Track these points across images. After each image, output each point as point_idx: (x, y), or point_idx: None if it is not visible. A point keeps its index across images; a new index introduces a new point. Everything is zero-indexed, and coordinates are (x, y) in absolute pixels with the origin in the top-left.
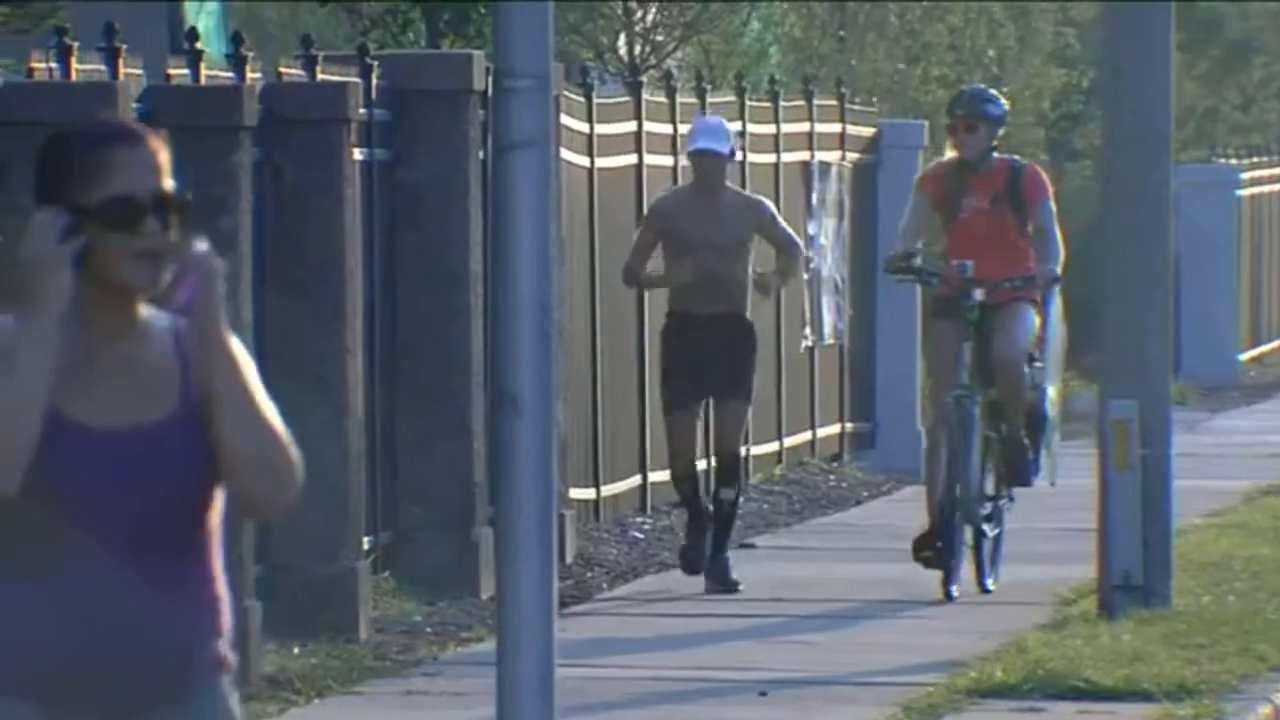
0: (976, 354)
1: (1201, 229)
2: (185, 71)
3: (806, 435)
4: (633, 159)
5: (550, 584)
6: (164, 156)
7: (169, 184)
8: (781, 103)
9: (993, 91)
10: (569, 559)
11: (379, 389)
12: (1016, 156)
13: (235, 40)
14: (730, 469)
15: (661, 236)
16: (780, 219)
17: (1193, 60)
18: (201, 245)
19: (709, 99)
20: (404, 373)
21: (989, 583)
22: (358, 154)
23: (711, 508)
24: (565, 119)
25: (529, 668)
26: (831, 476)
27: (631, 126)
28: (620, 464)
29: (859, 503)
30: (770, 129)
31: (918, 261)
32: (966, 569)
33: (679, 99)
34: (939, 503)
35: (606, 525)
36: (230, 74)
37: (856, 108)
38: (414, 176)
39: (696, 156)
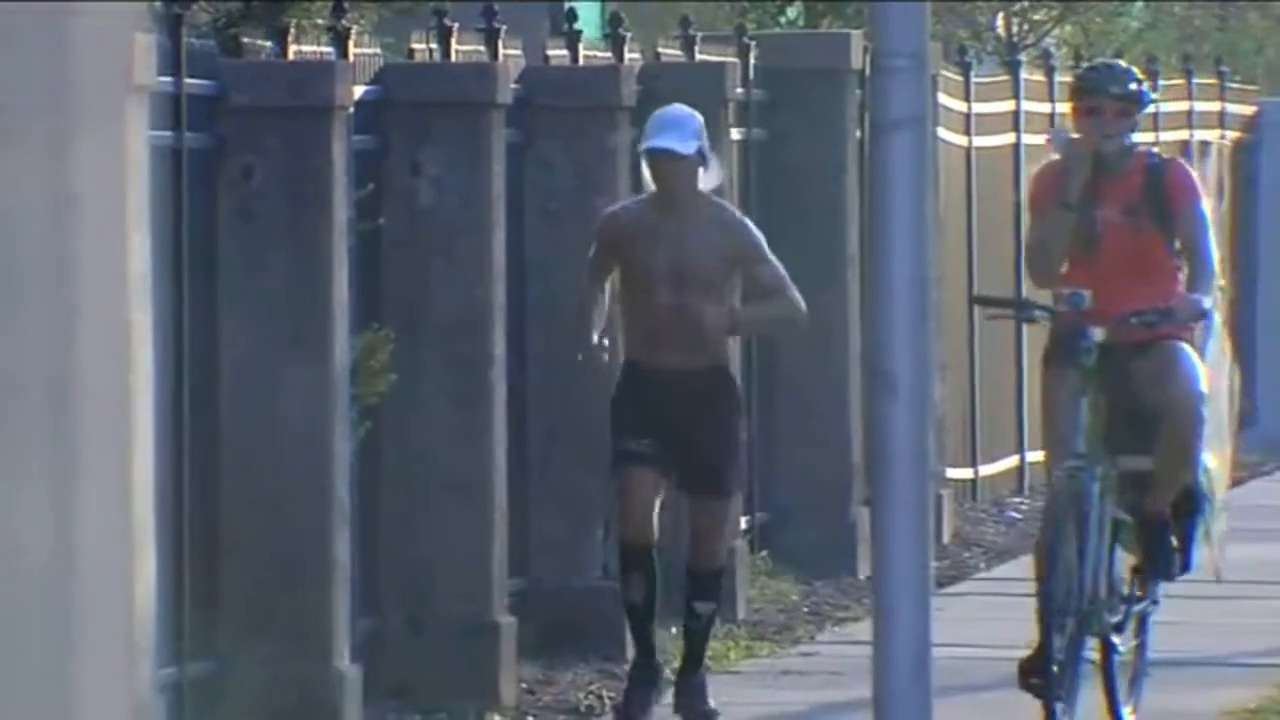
0: (1098, 412)
1: None
2: (563, 52)
3: None
4: (1010, 138)
5: (926, 564)
6: None
7: None
8: (1160, 81)
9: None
10: (946, 539)
11: (755, 368)
12: (1154, 148)
13: (613, 21)
14: (708, 585)
15: (617, 260)
16: (770, 256)
17: None
18: None
19: None
20: (781, 352)
21: (1125, 713)
22: (735, 133)
23: (681, 625)
24: (943, 98)
25: (905, 648)
26: None
27: (1009, 105)
28: (997, 444)
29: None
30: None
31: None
32: (1095, 698)
33: (1057, 78)
34: (1050, 610)
35: (984, 505)
36: (608, 55)
37: (1236, 86)
38: (791, 156)
39: (650, 158)
